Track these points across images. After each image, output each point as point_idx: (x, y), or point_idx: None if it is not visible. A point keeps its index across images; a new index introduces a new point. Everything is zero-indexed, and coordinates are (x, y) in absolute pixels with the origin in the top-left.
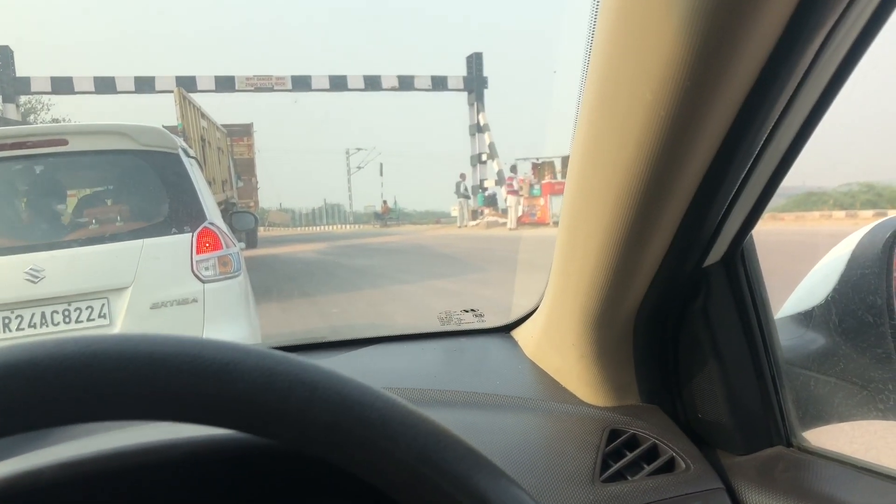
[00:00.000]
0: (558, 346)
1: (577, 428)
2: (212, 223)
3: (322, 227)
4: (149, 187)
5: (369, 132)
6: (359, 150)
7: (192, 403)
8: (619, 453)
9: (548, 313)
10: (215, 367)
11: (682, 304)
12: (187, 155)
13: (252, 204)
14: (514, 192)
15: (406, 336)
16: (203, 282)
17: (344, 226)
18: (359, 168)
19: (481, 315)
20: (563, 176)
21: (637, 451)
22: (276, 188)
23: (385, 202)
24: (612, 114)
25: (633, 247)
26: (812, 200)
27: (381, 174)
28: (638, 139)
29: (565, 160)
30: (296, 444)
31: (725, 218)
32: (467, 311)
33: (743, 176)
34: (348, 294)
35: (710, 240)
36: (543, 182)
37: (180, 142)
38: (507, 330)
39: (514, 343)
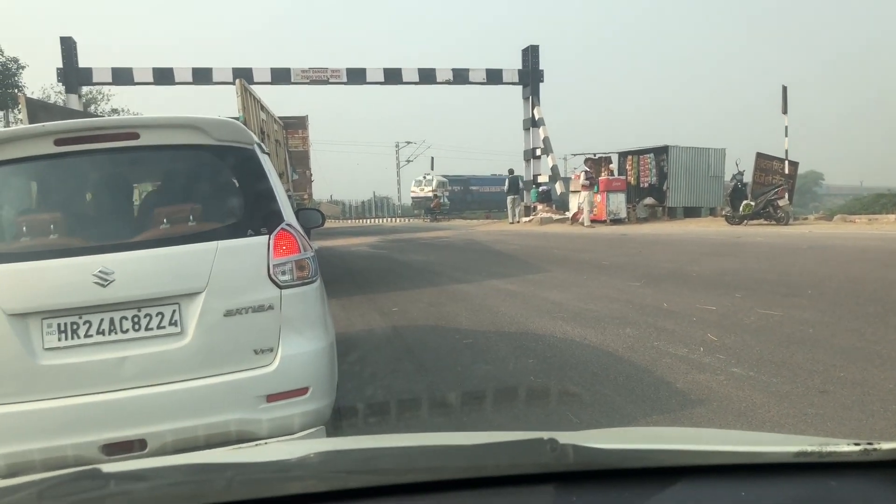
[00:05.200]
0: None
1: None
2: (289, 224)
3: (371, 220)
4: (223, 185)
5: (420, 125)
6: (408, 143)
7: None
8: None
9: None
10: None
11: None
12: (262, 151)
13: (306, 196)
14: (587, 187)
15: (727, 468)
16: (280, 287)
17: (393, 219)
18: (408, 161)
19: (872, 449)
20: (620, 172)
21: None
22: (326, 180)
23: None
24: None
25: None
26: (881, 203)
27: (432, 168)
28: None
29: (623, 155)
30: None
31: None
32: (858, 444)
33: None
34: (407, 292)
35: None
36: (600, 178)
37: (255, 137)
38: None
39: None
